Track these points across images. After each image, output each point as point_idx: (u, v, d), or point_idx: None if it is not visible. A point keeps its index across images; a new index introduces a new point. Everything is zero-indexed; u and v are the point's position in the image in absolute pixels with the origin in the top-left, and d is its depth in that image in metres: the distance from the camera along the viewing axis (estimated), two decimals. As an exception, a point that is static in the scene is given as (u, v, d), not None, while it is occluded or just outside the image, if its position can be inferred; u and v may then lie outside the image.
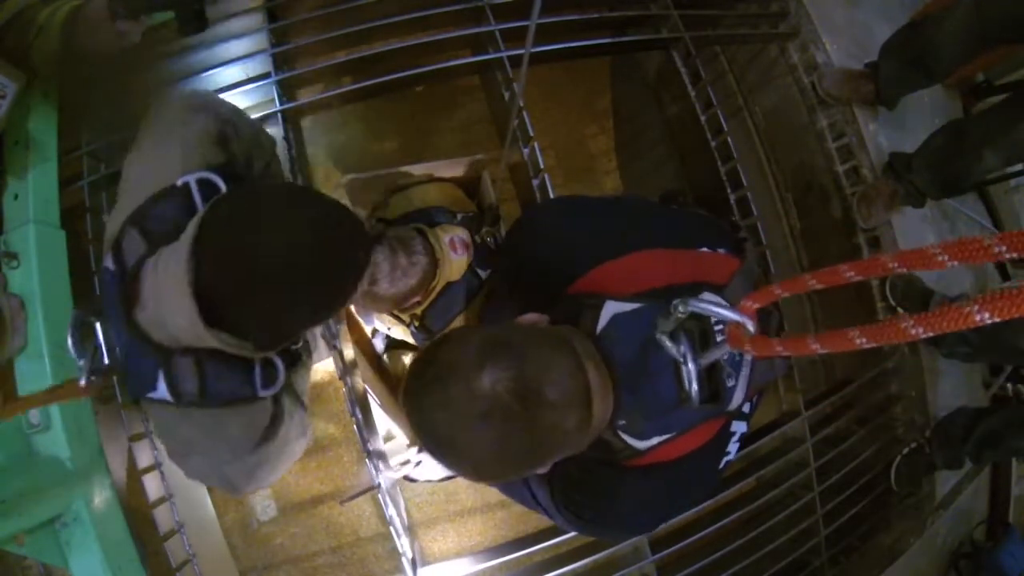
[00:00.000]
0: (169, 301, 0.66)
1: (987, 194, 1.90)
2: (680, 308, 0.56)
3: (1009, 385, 1.83)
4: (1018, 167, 1.75)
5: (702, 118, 1.57)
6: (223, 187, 0.76)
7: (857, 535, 1.66)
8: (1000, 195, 1.93)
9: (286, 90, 1.43)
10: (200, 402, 0.74)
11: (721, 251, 0.79)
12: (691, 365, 0.60)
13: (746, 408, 0.75)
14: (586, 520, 0.74)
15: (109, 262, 0.75)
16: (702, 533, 1.44)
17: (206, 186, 0.76)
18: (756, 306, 0.53)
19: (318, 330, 1.15)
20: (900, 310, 1.67)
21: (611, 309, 0.67)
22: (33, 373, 1.03)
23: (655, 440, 0.67)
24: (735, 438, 0.76)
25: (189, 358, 0.72)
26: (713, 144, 1.56)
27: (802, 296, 1.98)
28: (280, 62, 1.42)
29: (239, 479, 0.83)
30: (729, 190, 1.55)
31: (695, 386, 0.60)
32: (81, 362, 0.78)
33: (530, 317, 0.68)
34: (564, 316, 0.70)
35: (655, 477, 0.70)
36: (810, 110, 1.74)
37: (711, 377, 0.65)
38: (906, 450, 1.67)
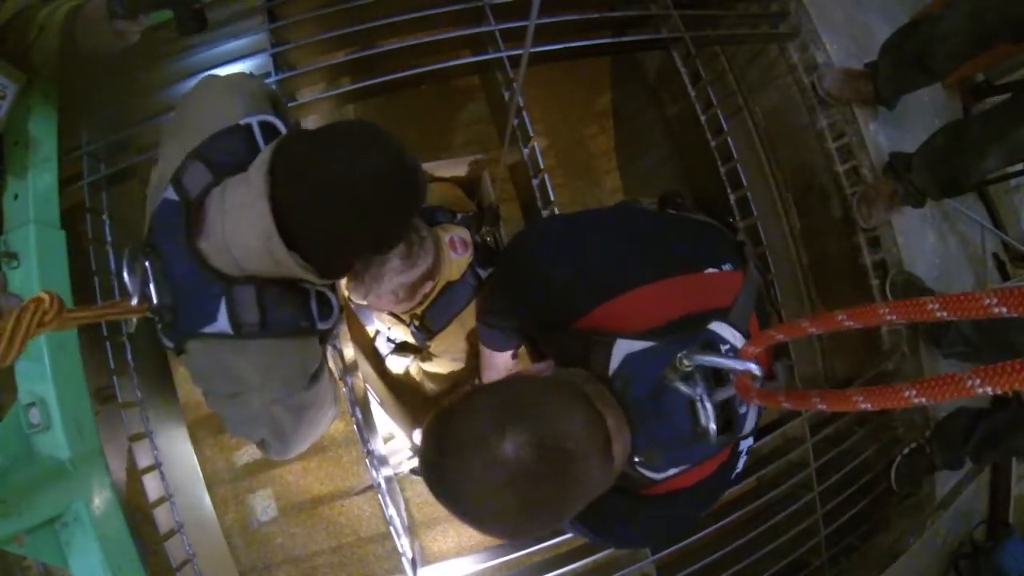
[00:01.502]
0: (241, 221, 0.69)
1: (987, 194, 1.90)
2: (685, 362, 0.58)
3: (1009, 385, 1.83)
4: (1018, 167, 1.75)
5: (702, 118, 1.57)
6: (283, 130, 0.80)
7: (857, 535, 1.66)
8: (1000, 195, 1.93)
9: (286, 90, 1.43)
10: (259, 332, 0.75)
11: (726, 267, 0.77)
12: (707, 403, 0.60)
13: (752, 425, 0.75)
14: (599, 535, 0.74)
15: (170, 193, 0.76)
16: (702, 533, 1.44)
17: (267, 128, 0.80)
18: (757, 350, 0.56)
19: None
20: (900, 310, 1.67)
21: (623, 349, 0.65)
22: (33, 373, 1.03)
23: (671, 471, 0.67)
24: (743, 454, 0.77)
25: (251, 287, 0.74)
26: (713, 144, 1.56)
27: (802, 295, 1.98)
28: (280, 62, 1.42)
29: (286, 423, 0.83)
30: (729, 190, 1.55)
31: (712, 424, 0.60)
32: (132, 286, 0.79)
33: (538, 367, 0.67)
34: (571, 353, 0.69)
35: (671, 504, 0.70)
36: (810, 110, 1.74)
37: (724, 407, 0.64)
38: (906, 450, 1.67)
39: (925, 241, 1.74)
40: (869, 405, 0.40)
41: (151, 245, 0.77)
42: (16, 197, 1.11)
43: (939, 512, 1.73)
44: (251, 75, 0.94)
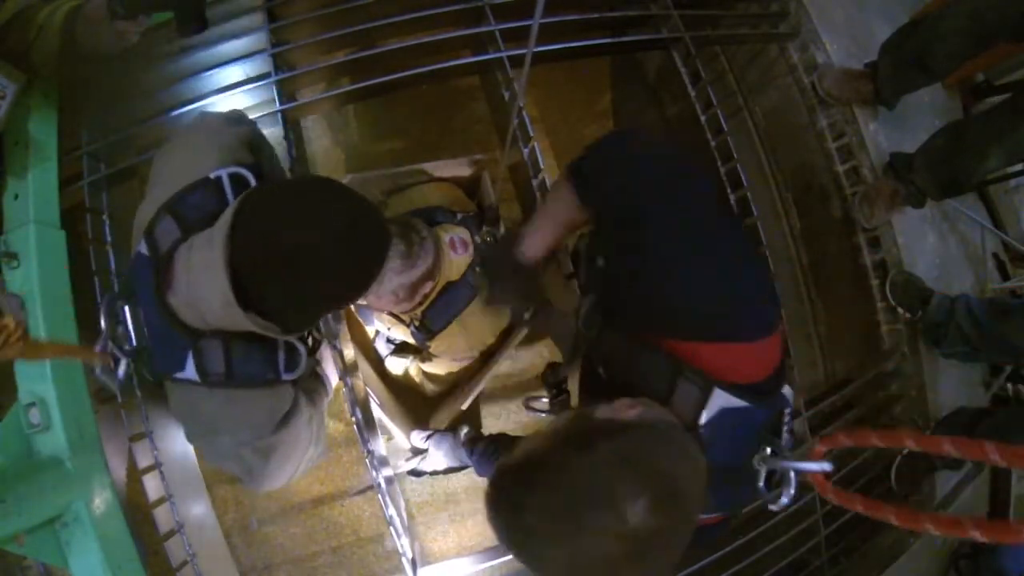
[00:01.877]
0: (203, 282, 0.70)
1: (987, 194, 1.90)
2: (763, 462, 0.62)
3: (1009, 385, 1.83)
4: (1018, 167, 1.75)
5: (702, 118, 1.57)
6: (253, 183, 0.81)
7: (857, 535, 1.66)
8: (1000, 195, 1.93)
9: (286, 90, 1.43)
10: (226, 382, 0.77)
11: (782, 324, 0.74)
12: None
13: None
14: None
15: (143, 247, 0.79)
16: (702, 533, 1.44)
17: (237, 180, 0.81)
18: (825, 449, 0.61)
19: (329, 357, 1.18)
20: (900, 310, 1.67)
21: (720, 401, 0.62)
22: (33, 373, 1.03)
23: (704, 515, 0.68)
24: None
25: (217, 340, 0.76)
26: (713, 144, 1.56)
27: (802, 295, 1.98)
28: (280, 62, 1.42)
29: (255, 463, 0.86)
30: (729, 190, 1.55)
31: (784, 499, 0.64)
32: (104, 330, 0.81)
33: (623, 403, 0.61)
34: (642, 370, 0.66)
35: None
36: (810, 110, 1.73)
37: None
38: (906, 450, 1.67)
39: (925, 241, 1.74)
40: (980, 534, 0.46)
41: (130, 292, 0.80)
42: (16, 197, 1.11)
43: (939, 512, 1.73)
44: (237, 119, 0.94)
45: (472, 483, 2.04)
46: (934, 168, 1.52)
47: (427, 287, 1.27)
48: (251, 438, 0.83)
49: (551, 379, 1.19)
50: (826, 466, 0.58)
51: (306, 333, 0.91)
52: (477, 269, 1.13)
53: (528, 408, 1.26)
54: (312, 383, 1.06)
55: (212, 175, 0.80)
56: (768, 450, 0.61)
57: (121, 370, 0.82)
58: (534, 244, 0.97)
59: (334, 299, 0.81)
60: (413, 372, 1.72)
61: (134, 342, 0.80)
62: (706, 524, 0.70)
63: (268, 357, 0.80)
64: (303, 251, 0.69)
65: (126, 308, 0.80)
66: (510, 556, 1.38)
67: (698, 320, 0.66)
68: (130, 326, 0.79)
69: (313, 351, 0.95)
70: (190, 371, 0.76)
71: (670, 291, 0.68)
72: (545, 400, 1.23)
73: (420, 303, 1.33)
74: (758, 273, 0.73)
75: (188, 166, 0.83)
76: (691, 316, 0.67)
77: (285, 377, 0.82)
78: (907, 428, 0.57)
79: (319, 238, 0.69)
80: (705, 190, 0.77)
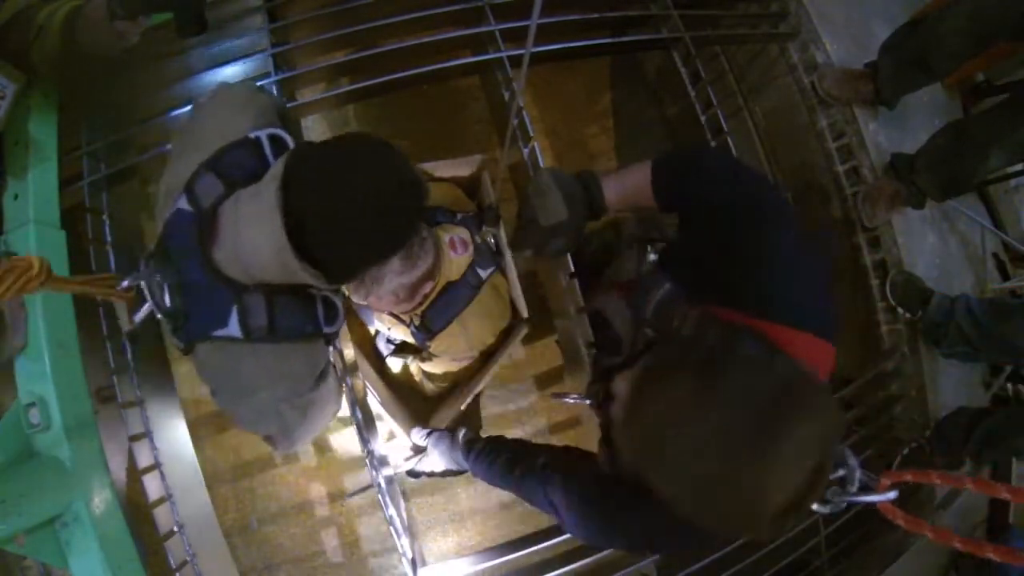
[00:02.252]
0: (253, 234, 0.72)
1: (987, 194, 1.90)
2: (833, 500, 0.66)
3: (1009, 385, 1.83)
4: (1018, 167, 1.75)
5: (702, 118, 1.57)
6: (291, 144, 0.83)
7: (857, 535, 1.66)
8: (1000, 195, 1.93)
9: (286, 90, 1.43)
10: (268, 336, 0.79)
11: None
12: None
13: None
14: (594, 528, 0.76)
15: (183, 203, 0.79)
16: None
17: (276, 142, 0.83)
18: (890, 483, 0.65)
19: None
20: (900, 310, 1.67)
21: None
22: (33, 373, 1.03)
23: None
24: None
25: (260, 294, 0.77)
26: (713, 144, 1.56)
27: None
28: (280, 62, 1.42)
29: (293, 420, 0.86)
30: (729, 190, 1.55)
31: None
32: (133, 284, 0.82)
33: None
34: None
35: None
36: (810, 110, 1.74)
37: None
38: (906, 450, 1.67)
39: (925, 241, 1.74)
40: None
41: (164, 252, 0.80)
42: (16, 197, 1.11)
43: (939, 512, 1.73)
44: (260, 87, 0.96)
45: (472, 483, 2.04)
46: (935, 168, 1.52)
47: (427, 287, 1.27)
48: (290, 394, 0.84)
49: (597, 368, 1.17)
50: (891, 495, 0.64)
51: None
52: (531, 189, 1.06)
53: (556, 397, 1.25)
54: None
55: (252, 135, 0.82)
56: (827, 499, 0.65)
57: (141, 312, 0.82)
58: (611, 188, 0.95)
59: (382, 246, 0.81)
60: (413, 371, 1.72)
61: (167, 304, 0.80)
62: None
63: (308, 310, 0.82)
64: (355, 199, 0.71)
65: (159, 273, 0.80)
66: (510, 556, 1.38)
67: (803, 310, 0.71)
68: (165, 289, 0.79)
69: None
70: (233, 327, 0.77)
71: (781, 278, 0.72)
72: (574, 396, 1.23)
73: (420, 303, 1.33)
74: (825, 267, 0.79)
75: (225, 126, 0.84)
76: (797, 305, 0.71)
77: (326, 330, 0.85)
78: (968, 476, 0.60)
79: (369, 187, 0.72)
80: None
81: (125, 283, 0.82)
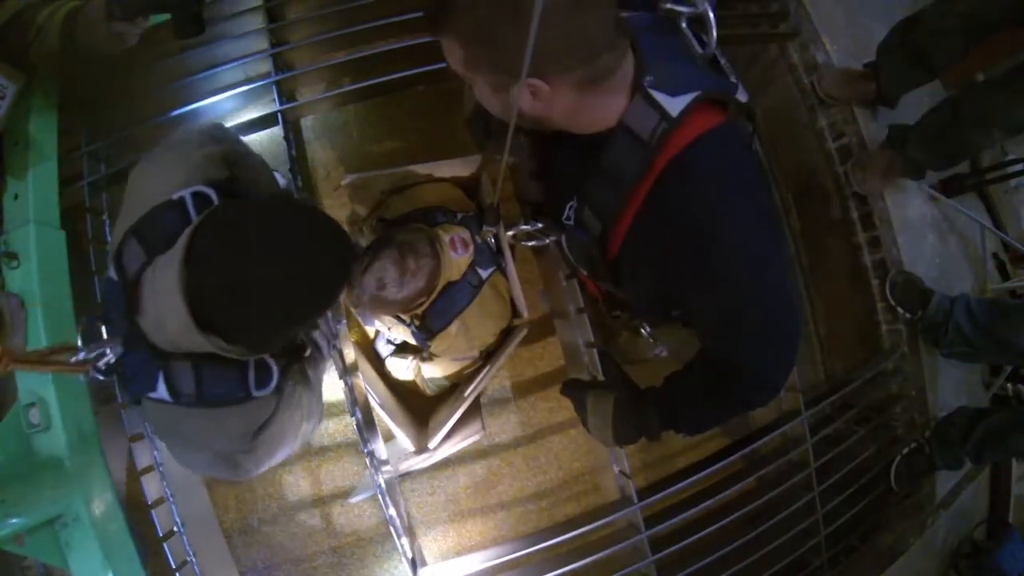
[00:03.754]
0: (165, 306, 0.70)
1: (987, 194, 1.90)
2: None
3: (1009, 385, 1.83)
4: (1019, 167, 1.75)
5: (702, 118, 1.57)
6: (215, 201, 0.80)
7: (857, 535, 1.66)
8: (1000, 195, 1.93)
9: (286, 90, 1.43)
10: (198, 402, 0.78)
11: None
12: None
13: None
14: None
15: (112, 272, 0.79)
16: (702, 533, 1.44)
17: (201, 199, 0.80)
18: None
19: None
20: (900, 310, 1.67)
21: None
22: (33, 373, 1.03)
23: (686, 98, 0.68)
24: None
25: (187, 362, 0.76)
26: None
27: (801, 294, 1.98)
28: (280, 62, 1.42)
29: (244, 462, 0.87)
30: (729, 190, 1.55)
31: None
32: (80, 344, 0.83)
33: None
34: None
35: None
36: (810, 110, 1.73)
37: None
38: (906, 450, 1.67)
39: (925, 241, 1.74)
40: None
41: (106, 315, 0.81)
42: (16, 197, 1.11)
43: (939, 512, 1.73)
44: (210, 137, 0.91)
45: (472, 483, 2.04)
46: (930, 143, 1.52)
47: (423, 298, 1.29)
48: (232, 450, 0.84)
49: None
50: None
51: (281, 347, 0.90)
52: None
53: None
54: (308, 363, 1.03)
55: (175, 196, 0.79)
56: None
57: (101, 370, 0.82)
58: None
59: (293, 323, 0.80)
60: (413, 373, 1.72)
61: (111, 361, 0.81)
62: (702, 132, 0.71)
63: (238, 376, 0.80)
64: (257, 285, 0.68)
65: (103, 329, 0.82)
66: (510, 556, 1.38)
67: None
68: (107, 350, 0.80)
69: (299, 352, 0.96)
70: (162, 391, 0.77)
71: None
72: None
73: (420, 304, 1.33)
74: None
75: (154, 188, 0.82)
76: None
77: (256, 394, 0.82)
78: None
79: (274, 275, 0.68)
80: None
81: (81, 355, 0.82)
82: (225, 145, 0.90)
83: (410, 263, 1.22)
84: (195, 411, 0.79)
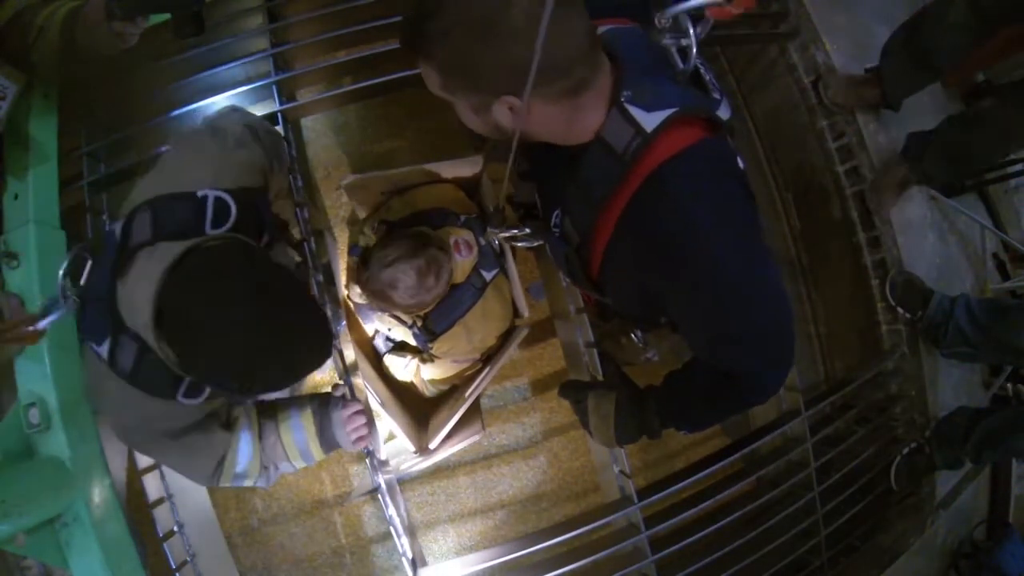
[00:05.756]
0: (138, 294, 0.73)
1: (987, 194, 1.90)
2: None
3: (1009, 385, 1.83)
4: (1019, 167, 1.75)
5: (702, 118, 1.57)
6: (233, 212, 0.82)
7: (857, 535, 1.66)
8: (1000, 195, 1.93)
9: (286, 90, 1.43)
10: (128, 379, 0.79)
11: None
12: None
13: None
14: None
15: (118, 229, 0.80)
16: (702, 533, 1.44)
17: (220, 204, 0.81)
18: None
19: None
20: (900, 310, 1.67)
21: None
22: (33, 373, 1.03)
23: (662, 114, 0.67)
24: None
25: (135, 343, 0.77)
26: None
27: (802, 295, 1.98)
28: (280, 62, 1.42)
29: (134, 437, 0.93)
30: (729, 190, 1.55)
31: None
32: (51, 307, 0.89)
33: None
34: None
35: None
36: (810, 110, 1.73)
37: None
38: (906, 450, 1.67)
39: (925, 241, 1.74)
40: None
41: (95, 258, 0.84)
42: (16, 197, 1.11)
43: (939, 512, 1.73)
44: (252, 131, 0.95)
45: (472, 483, 2.04)
46: (948, 163, 1.53)
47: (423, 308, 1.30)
48: (137, 423, 0.87)
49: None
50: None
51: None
52: None
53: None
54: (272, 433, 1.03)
55: (200, 193, 0.81)
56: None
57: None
58: None
59: (240, 391, 0.84)
60: (411, 374, 1.72)
61: (82, 284, 0.86)
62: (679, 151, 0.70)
63: (173, 379, 0.81)
64: (217, 340, 0.70)
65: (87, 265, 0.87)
66: (510, 556, 1.38)
67: None
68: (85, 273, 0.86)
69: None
70: (103, 351, 0.79)
71: None
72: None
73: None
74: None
75: (187, 173, 0.85)
76: None
77: (183, 401, 0.83)
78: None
79: (239, 340, 0.70)
80: None
81: (41, 323, 0.87)
82: (266, 147, 0.94)
83: (429, 281, 1.23)
84: (122, 382, 0.80)
